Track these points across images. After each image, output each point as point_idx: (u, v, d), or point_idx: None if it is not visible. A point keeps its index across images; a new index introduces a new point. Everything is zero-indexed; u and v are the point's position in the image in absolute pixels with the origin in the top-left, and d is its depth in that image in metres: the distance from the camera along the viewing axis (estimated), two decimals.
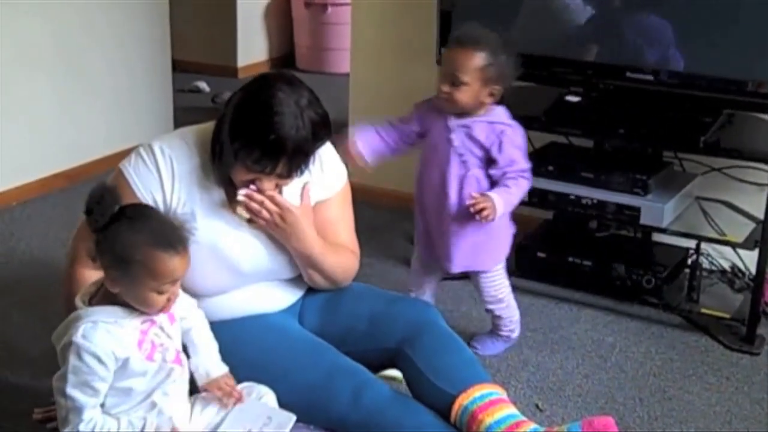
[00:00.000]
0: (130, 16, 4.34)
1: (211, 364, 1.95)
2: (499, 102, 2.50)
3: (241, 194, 2.01)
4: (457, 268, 2.55)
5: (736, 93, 2.80)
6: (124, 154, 2.09)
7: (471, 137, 2.43)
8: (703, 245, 3.13)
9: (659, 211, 2.88)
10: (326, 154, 2.20)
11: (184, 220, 1.98)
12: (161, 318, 1.85)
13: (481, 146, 2.43)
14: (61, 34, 4.01)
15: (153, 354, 1.81)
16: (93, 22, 4.15)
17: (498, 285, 2.63)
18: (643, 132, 2.95)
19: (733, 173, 3.12)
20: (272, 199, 2.03)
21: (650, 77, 2.90)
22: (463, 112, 2.42)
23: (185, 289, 1.98)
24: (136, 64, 4.44)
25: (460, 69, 2.35)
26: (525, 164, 2.48)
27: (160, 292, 1.76)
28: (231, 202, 2.08)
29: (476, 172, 2.45)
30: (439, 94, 2.41)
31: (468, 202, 2.33)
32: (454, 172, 2.46)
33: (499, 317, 2.67)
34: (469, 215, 2.43)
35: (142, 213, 1.80)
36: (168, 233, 1.76)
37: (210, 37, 6.13)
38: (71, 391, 1.75)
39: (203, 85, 5.66)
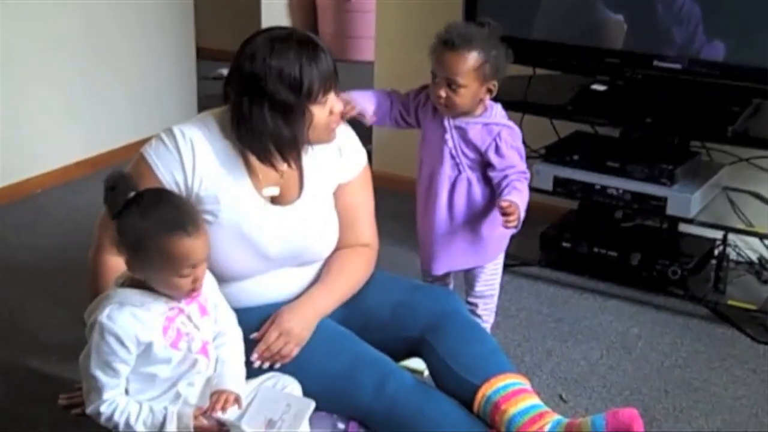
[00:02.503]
0: (155, 4, 4.35)
1: (227, 378, 1.90)
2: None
3: (255, 360, 2.02)
4: (440, 270, 2.47)
5: (765, 82, 2.76)
6: (148, 141, 2.09)
7: (465, 139, 2.36)
8: (730, 236, 3.09)
9: (686, 202, 2.85)
10: (344, 137, 2.19)
11: (206, 203, 2.00)
12: (191, 307, 1.85)
13: (476, 149, 2.35)
14: (89, 21, 4.03)
15: (178, 342, 1.81)
16: (120, 10, 4.17)
17: (489, 280, 2.52)
18: (670, 121, 2.92)
19: (761, 163, 3.09)
20: (277, 353, 2.03)
21: (678, 66, 2.87)
22: (463, 114, 2.36)
23: (213, 273, 1.98)
24: (161, 52, 4.45)
25: (456, 72, 2.25)
26: (524, 166, 2.37)
27: (182, 276, 1.76)
28: (255, 184, 2.07)
29: (469, 175, 2.38)
30: (436, 99, 2.33)
31: (502, 203, 2.26)
32: (446, 172, 2.38)
33: (477, 316, 2.54)
34: (458, 218, 2.38)
35: (153, 198, 1.79)
36: (178, 216, 1.76)
37: (234, 24, 6.10)
38: (94, 369, 1.76)
39: (226, 72, 5.66)
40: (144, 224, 1.73)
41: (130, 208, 1.75)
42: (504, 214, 2.22)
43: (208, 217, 2.02)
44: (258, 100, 1.96)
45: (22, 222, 3.58)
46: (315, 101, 1.98)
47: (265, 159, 2.03)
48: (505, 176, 2.33)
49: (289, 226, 2.10)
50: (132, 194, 1.76)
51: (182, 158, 2.01)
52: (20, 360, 2.61)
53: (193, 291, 1.81)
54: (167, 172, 2.01)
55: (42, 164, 3.90)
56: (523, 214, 2.26)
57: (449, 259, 2.45)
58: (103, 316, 1.75)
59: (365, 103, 2.38)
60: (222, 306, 1.97)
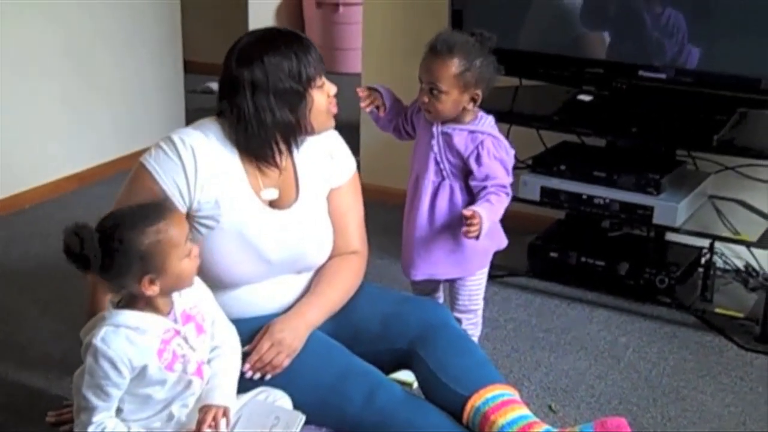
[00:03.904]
0: (141, 18, 4.36)
1: (217, 392, 1.90)
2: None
3: (247, 371, 2.04)
4: (419, 275, 2.47)
5: (749, 91, 2.78)
6: (136, 155, 2.10)
7: (450, 145, 2.37)
8: (717, 244, 3.11)
9: (672, 211, 2.87)
10: (334, 143, 2.26)
11: (207, 208, 2.03)
12: (187, 328, 1.85)
13: (459, 155, 2.36)
14: (72, 36, 4.02)
15: (173, 364, 1.81)
16: (103, 24, 4.16)
17: (472, 295, 2.51)
18: (656, 131, 2.93)
19: (746, 172, 3.10)
20: (269, 364, 2.06)
21: (663, 76, 2.89)
22: (447, 120, 2.38)
23: (213, 280, 1.98)
24: (148, 66, 4.45)
25: (437, 78, 2.29)
26: (506, 179, 2.36)
27: (188, 255, 1.79)
28: (254, 188, 2.09)
29: (452, 182, 2.39)
30: (420, 105, 2.37)
31: (465, 213, 2.27)
32: (430, 178, 2.39)
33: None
34: (438, 224, 2.39)
35: (116, 222, 1.78)
36: (145, 212, 1.78)
37: (222, 37, 6.11)
38: (86, 391, 1.77)
39: (215, 86, 5.62)
40: (130, 244, 1.73)
41: (107, 247, 1.73)
42: (467, 222, 2.23)
43: (210, 223, 2.04)
44: (262, 96, 2.02)
45: (10, 236, 3.57)
46: (314, 86, 2.07)
47: (268, 156, 2.08)
48: (484, 187, 2.34)
49: (288, 230, 2.13)
50: (97, 237, 1.74)
51: (184, 165, 2.02)
52: (8, 375, 2.59)
53: (197, 270, 1.84)
54: (169, 180, 2.02)
55: (30, 179, 3.89)
56: (486, 228, 2.24)
57: (428, 266, 2.45)
58: (98, 339, 1.75)
59: (386, 97, 2.46)
60: (220, 320, 1.97)
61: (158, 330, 1.79)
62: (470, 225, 2.22)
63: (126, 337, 1.75)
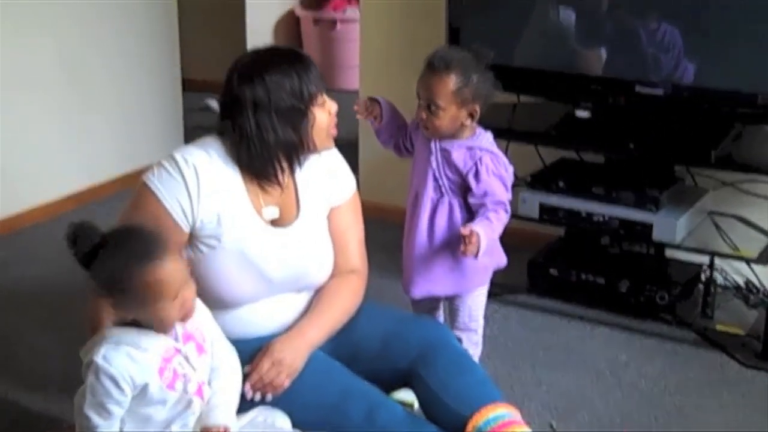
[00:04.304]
0: (139, 35, 4.36)
1: (217, 410, 1.88)
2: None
3: (248, 391, 2.03)
4: (418, 293, 2.46)
5: (747, 106, 2.78)
6: (135, 174, 2.10)
7: (448, 161, 2.37)
8: (717, 260, 3.11)
9: (671, 227, 2.86)
10: (335, 161, 2.26)
11: (209, 227, 2.02)
12: (188, 347, 1.84)
13: (458, 171, 2.36)
14: (69, 54, 4.02)
15: (174, 383, 1.80)
16: (101, 42, 4.16)
17: (472, 313, 2.50)
18: (654, 147, 2.93)
19: (745, 187, 3.10)
20: (270, 384, 2.05)
21: (660, 91, 2.89)
22: (445, 137, 2.38)
23: (213, 299, 1.98)
24: (146, 84, 4.45)
25: (434, 94, 2.29)
26: (504, 195, 2.35)
27: (168, 304, 1.75)
28: (255, 206, 2.09)
29: (450, 199, 2.38)
30: (418, 121, 2.37)
31: (463, 231, 2.26)
32: (429, 194, 2.39)
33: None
34: (438, 242, 2.38)
35: (118, 237, 1.77)
36: (145, 246, 1.74)
37: (220, 55, 6.12)
38: (87, 410, 1.75)
39: (214, 103, 5.65)
40: (114, 264, 1.72)
41: (98, 253, 1.73)
42: (465, 241, 2.23)
43: (212, 242, 2.03)
44: (264, 115, 2.02)
45: (8, 257, 3.56)
46: (316, 103, 2.08)
47: (271, 174, 2.08)
48: (483, 204, 2.34)
49: (290, 248, 2.13)
50: (98, 239, 1.74)
51: (187, 184, 2.02)
52: (7, 395, 2.58)
53: (184, 317, 1.79)
54: (172, 199, 2.02)
55: (27, 200, 3.88)
56: (484, 246, 2.24)
57: (428, 283, 2.44)
58: (99, 357, 1.73)
59: (384, 109, 2.46)
60: (219, 340, 1.95)
61: (159, 348, 1.78)
62: (468, 243, 2.22)
63: (127, 355, 1.75)
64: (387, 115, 2.47)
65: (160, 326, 1.78)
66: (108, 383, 1.73)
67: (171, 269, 1.75)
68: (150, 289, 1.72)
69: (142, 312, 1.76)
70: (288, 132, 2.05)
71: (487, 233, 2.27)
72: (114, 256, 1.72)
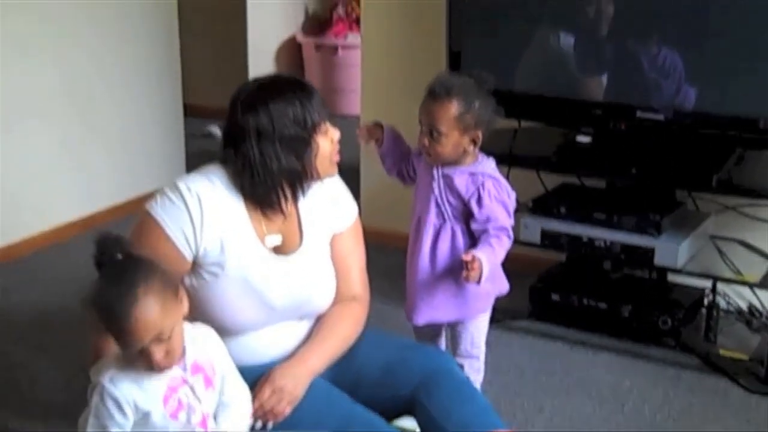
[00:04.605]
0: (141, 61, 4.38)
1: None
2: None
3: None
4: (421, 320, 2.45)
5: (748, 131, 2.78)
6: (137, 201, 2.09)
7: (451, 187, 2.37)
8: (720, 285, 3.10)
9: (673, 252, 2.86)
10: (337, 188, 2.25)
11: (213, 255, 1.99)
12: (196, 378, 1.82)
13: (460, 197, 2.36)
14: (72, 80, 4.04)
15: (178, 413, 1.78)
16: (103, 68, 4.18)
17: (474, 340, 2.49)
18: (655, 171, 2.93)
19: (747, 211, 3.10)
20: (270, 411, 2.03)
21: (660, 116, 2.90)
22: (448, 162, 2.38)
23: (214, 327, 1.97)
24: (148, 110, 4.46)
25: (436, 120, 2.30)
26: (507, 221, 2.35)
27: (151, 347, 1.69)
28: (258, 234, 2.09)
29: (453, 225, 2.38)
30: (420, 147, 2.38)
31: (465, 257, 2.26)
32: (431, 220, 2.40)
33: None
34: (440, 268, 2.38)
35: (125, 266, 1.72)
36: (126, 286, 1.68)
37: (222, 81, 6.15)
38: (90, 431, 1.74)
39: (216, 129, 5.65)
40: (97, 299, 1.68)
41: (102, 272, 1.70)
42: (466, 267, 2.22)
43: (215, 270, 2.03)
44: (268, 144, 2.01)
45: (10, 284, 3.56)
46: (319, 131, 2.07)
47: (273, 202, 2.07)
48: (485, 230, 2.34)
49: (293, 276, 2.12)
50: (119, 256, 1.72)
51: (191, 212, 2.01)
52: (8, 423, 2.57)
53: (166, 365, 1.74)
54: (176, 228, 2.01)
55: (30, 227, 3.88)
56: (486, 272, 2.24)
57: (430, 310, 2.44)
58: (106, 379, 1.73)
59: (386, 133, 2.48)
60: (232, 376, 1.93)
61: (166, 376, 1.77)
62: (470, 270, 2.21)
63: (133, 380, 1.74)
64: (389, 140, 2.48)
65: (145, 366, 1.74)
66: (112, 406, 1.72)
67: (147, 313, 1.67)
68: (121, 330, 1.68)
69: (122, 349, 1.73)
70: (292, 160, 2.05)
71: (490, 259, 2.26)
72: (99, 290, 1.69)
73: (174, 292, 1.75)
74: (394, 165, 2.52)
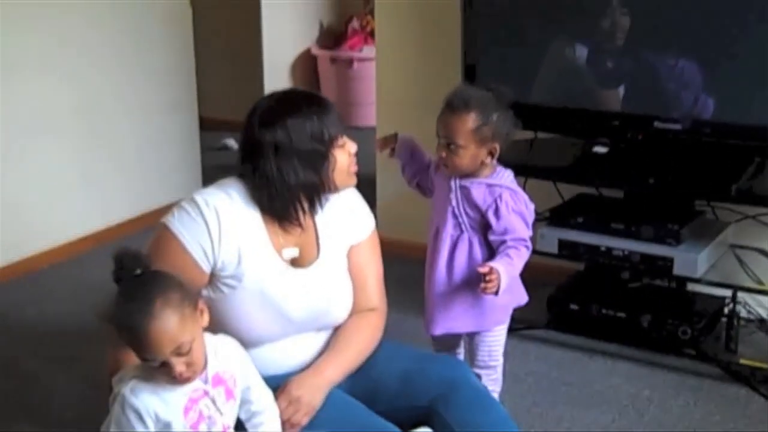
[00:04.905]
0: (156, 75, 4.40)
1: None
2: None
3: None
4: (438, 330, 2.45)
5: (766, 140, 2.76)
6: (154, 215, 2.10)
7: (468, 199, 2.37)
8: (740, 293, 3.07)
9: (693, 261, 2.84)
10: (354, 200, 2.25)
11: (230, 268, 2.00)
12: (217, 390, 1.82)
13: (477, 209, 2.36)
14: (86, 93, 4.05)
15: (198, 424, 1.78)
16: (118, 81, 4.20)
17: (492, 351, 2.48)
18: (674, 181, 2.92)
19: (767, 220, 3.07)
20: (288, 422, 2.03)
21: (678, 126, 2.88)
22: (465, 174, 2.38)
23: (233, 339, 1.97)
24: (163, 123, 4.48)
25: (454, 133, 2.31)
26: (525, 232, 2.35)
27: (169, 362, 1.70)
28: (276, 247, 2.09)
29: (470, 236, 2.38)
30: (438, 160, 2.39)
31: (481, 269, 2.26)
32: (449, 231, 2.39)
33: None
34: (457, 279, 2.37)
35: (144, 281, 1.73)
36: (141, 301, 1.68)
37: (237, 94, 6.17)
38: None
39: (232, 142, 5.67)
40: (115, 313, 1.69)
41: (120, 287, 1.71)
42: (484, 279, 2.22)
43: (233, 282, 2.03)
44: (285, 158, 2.03)
45: (25, 298, 3.57)
46: (336, 145, 2.08)
47: (291, 216, 2.07)
48: (503, 242, 2.33)
49: (310, 288, 2.12)
50: (138, 272, 1.72)
51: (209, 226, 2.02)
52: None
53: (186, 379, 1.74)
54: (194, 242, 2.01)
55: (45, 241, 3.89)
56: (504, 283, 2.23)
57: (448, 321, 2.43)
58: (127, 390, 1.74)
59: (400, 142, 2.49)
60: (256, 387, 1.93)
61: (187, 388, 1.77)
62: (488, 281, 2.21)
63: (154, 391, 1.74)
64: (405, 150, 2.49)
65: (167, 378, 1.74)
66: (133, 416, 1.73)
67: (166, 326, 1.68)
68: (140, 344, 1.69)
69: (146, 363, 1.73)
70: (309, 174, 2.06)
71: (508, 271, 2.26)
72: (118, 305, 1.70)
73: (193, 306, 1.76)
74: (414, 176, 2.53)
